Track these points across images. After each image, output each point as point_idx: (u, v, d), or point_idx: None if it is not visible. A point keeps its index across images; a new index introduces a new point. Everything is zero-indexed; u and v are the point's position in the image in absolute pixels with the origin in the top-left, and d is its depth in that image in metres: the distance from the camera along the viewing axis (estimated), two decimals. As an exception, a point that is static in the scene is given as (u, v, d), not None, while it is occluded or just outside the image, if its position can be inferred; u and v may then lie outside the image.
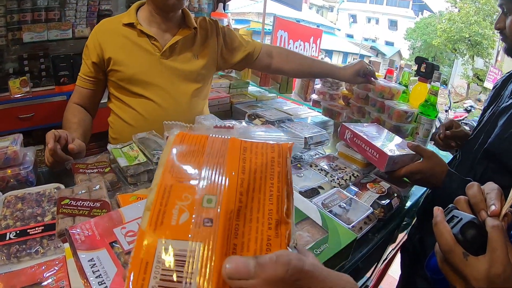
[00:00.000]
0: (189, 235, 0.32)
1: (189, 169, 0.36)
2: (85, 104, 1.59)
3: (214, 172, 0.36)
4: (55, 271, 0.72)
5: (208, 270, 0.31)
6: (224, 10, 3.24)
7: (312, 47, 4.38)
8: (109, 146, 1.24)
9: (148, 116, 1.53)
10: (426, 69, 1.67)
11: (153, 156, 1.14)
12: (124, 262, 0.66)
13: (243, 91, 2.51)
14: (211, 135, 0.41)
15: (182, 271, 0.31)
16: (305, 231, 0.85)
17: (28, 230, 0.87)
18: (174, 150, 0.38)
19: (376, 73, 1.84)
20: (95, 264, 0.64)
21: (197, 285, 0.30)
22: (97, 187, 1.00)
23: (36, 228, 0.88)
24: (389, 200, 1.16)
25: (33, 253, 0.82)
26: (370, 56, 24.90)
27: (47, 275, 0.71)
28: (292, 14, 9.01)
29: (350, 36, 29.95)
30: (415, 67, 1.84)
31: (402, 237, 1.54)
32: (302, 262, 0.32)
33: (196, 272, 0.30)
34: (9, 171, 1.12)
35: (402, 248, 1.52)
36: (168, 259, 0.31)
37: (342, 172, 1.29)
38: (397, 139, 1.38)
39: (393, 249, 1.67)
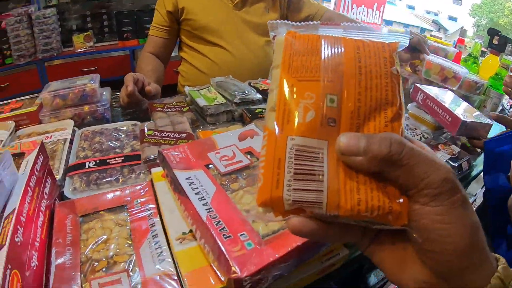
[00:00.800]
0: (316, 133, 0.32)
1: (307, 68, 0.34)
2: (158, 53, 1.60)
3: (332, 71, 0.34)
4: (140, 194, 0.71)
5: (335, 166, 0.31)
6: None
7: (376, 14, 4.21)
8: (187, 88, 1.24)
9: (222, 64, 1.53)
10: (499, 42, 1.56)
11: (234, 97, 1.13)
12: (221, 183, 0.65)
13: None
14: (321, 33, 0.39)
15: (313, 166, 0.31)
16: None
17: (108, 160, 0.88)
18: (288, 50, 0.36)
19: (434, 38, 1.77)
20: (193, 182, 0.63)
21: (327, 180, 0.31)
22: (180, 121, 0.99)
23: (116, 159, 0.88)
24: (459, 163, 1.12)
25: (113, 181, 0.82)
26: (431, 31, 23.70)
27: (131, 198, 0.70)
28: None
29: (411, 7, 28.48)
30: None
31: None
32: (405, 141, 0.31)
33: (326, 168, 0.31)
34: (86, 108, 1.14)
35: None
36: (299, 155, 0.31)
37: (413, 132, 1.27)
38: (469, 107, 1.31)
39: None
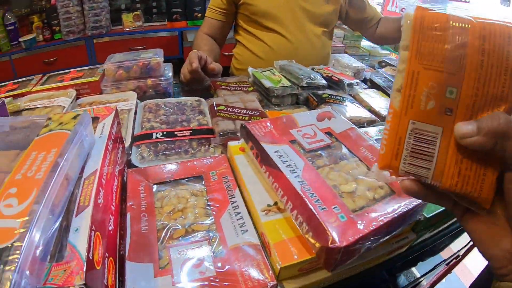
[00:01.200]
0: (434, 120, 0.36)
1: (434, 56, 0.36)
2: (214, 35, 1.60)
3: (455, 64, 0.36)
4: (217, 166, 0.71)
5: (445, 150, 0.37)
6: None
7: None
8: (250, 69, 1.23)
9: (278, 50, 1.52)
10: None
11: (300, 80, 1.11)
12: (306, 158, 0.64)
13: (356, 43, 2.39)
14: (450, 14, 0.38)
15: (427, 147, 0.37)
16: None
17: (176, 132, 0.88)
18: (417, 31, 0.37)
19: None
20: (282, 155, 0.62)
21: (436, 161, 0.37)
22: (250, 99, 0.99)
23: (184, 132, 0.88)
24: None
25: (182, 152, 0.83)
26: None
27: (207, 169, 0.70)
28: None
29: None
30: None
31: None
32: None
33: (436, 151, 0.37)
34: (149, 81, 1.15)
35: None
36: (417, 137, 0.37)
37: None
38: None
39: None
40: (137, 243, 0.55)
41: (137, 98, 1.09)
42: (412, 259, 0.89)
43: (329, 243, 0.47)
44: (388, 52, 2.36)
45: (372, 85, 1.31)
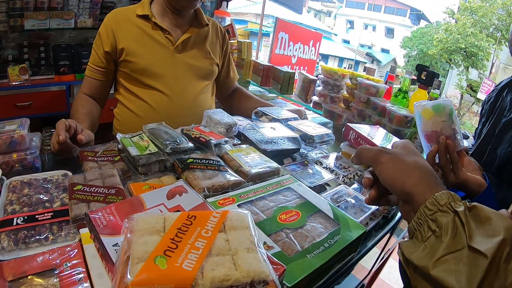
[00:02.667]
0: None
1: None
2: (94, 95, 1.57)
3: None
4: (69, 257, 0.69)
5: None
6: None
7: (312, 51, 4.40)
8: (119, 135, 1.23)
9: (158, 108, 1.53)
10: (427, 77, 1.68)
11: (165, 146, 1.13)
12: None
13: (243, 90, 2.49)
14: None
15: None
16: (318, 223, 0.87)
17: (37, 216, 0.85)
18: None
19: (365, 74, 1.94)
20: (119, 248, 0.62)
21: None
22: (110, 174, 0.98)
23: (45, 214, 0.85)
24: None
25: (42, 239, 0.80)
26: (365, 63, 25.05)
27: (61, 261, 0.69)
28: (290, 17, 9.04)
29: (346, 41, 30.19)
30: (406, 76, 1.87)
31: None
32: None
33: None
34: (14, 156, 1.09)
35: None
36: None
37: (346, 171, 1.32)
38: (396, 140, 1.40)
39: (385, 253, 1.69)
40: None
41: (4, 174, 1.03)
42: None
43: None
44: (275, 95, 2.51)
45: (245, 139, 1.36)
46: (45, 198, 0.92)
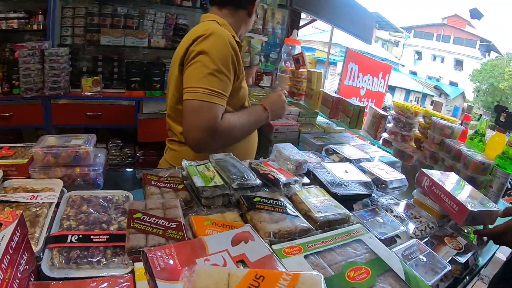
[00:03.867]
0: None
1: None
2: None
3: None
4: (121, 289, 0.65)
5: None
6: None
7: (380, 83, 4.29)
8: (184, 162, 1.19)
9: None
10: (506, 119, 1.53)
11: (232, 181, 1.08)
12: None
13: (312, 120, 2.43)
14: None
15: None
16: (388, 284, 0.78)
17: (92, 237, 0.83)
18: None
19: (440, 113, 1.78)
20: None
21: None
22: (172, 205, 0.94)
23: (101, 236, 0.83)
24: (466, 258, 1.07)
25: (94, 262, 0.77)
26: (433, 96, 24.19)
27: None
28: (357, 46, 8.93)
29: (414, 73, 29.28)
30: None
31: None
32: None
33: None
34: (77, 170, 1.10)
35: None
36: None
37: (417, 221, 1.22)
38: (474, 191, 1.29)
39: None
40: None
41: (65, 186, 1.05)
42: None
43: None
44: (343, 128, 2.41)
45: (315, 178, 1.29)
46: (103, 218, 0.91)
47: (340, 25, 4.06)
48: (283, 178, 1.15)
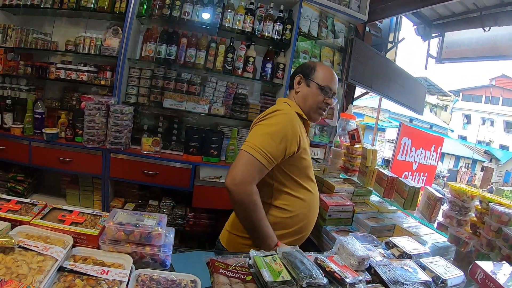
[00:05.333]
0: None
1: None
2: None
3: None
4: None
5: None
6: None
7: (432, 156, 4.22)
8: (252, 252, 1.21)
9: (309, 205, 1.70)
10: None
11: (301, 279, 1.08)
12: None
13: (365, 199, 2.40)
14: None
15: None
16: None
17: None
18: None
19: (497, 198, 1.74)
20: None
21: None
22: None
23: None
24: None
25: None
26: (483, 161, 23.23)
27: None
28: (405, 112, 8.85)
29: (463, 138, 28.24)
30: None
31: None
32: None
33: None
34: (147, 249, 1.14)
35: None
36: None
37: None
38: None
39: None
40: None
41: (133, 262, 1.08)
42: None
43: None
44: (396, 208, 2.36)
45: (375, 274, 1.27)
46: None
47: (393, 97, 4.10)
48: (349, 277, 1.16)
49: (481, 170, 23.68)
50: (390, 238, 1.53)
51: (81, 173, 3.12)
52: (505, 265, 1.35)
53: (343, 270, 1.19)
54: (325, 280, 1.12)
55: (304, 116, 1.71)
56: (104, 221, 1.20)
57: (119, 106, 2.94)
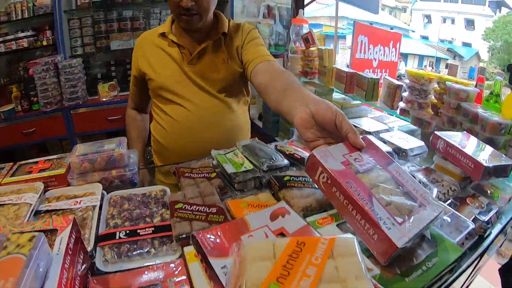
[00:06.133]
0: None
1: None
2: (139, 106, 1.83)
3: None
4: (174, 273, 0.71)
5: None
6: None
7: (392, 52, 4.24)
8: (213, 152, 1.24)
9: (182, 121, 1.54)
10: None
11: (262, 164, 1.12)
12: None
13: (328, 98, 2.44)
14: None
15: None
16: (417, 244, 0.81)
17: (138, 231, 0.88)
18: None
19: (453, 77, 1.75)
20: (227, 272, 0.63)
21: None
22: (209, 192, 1.00)
23: (146, 229, 0.89)
24: (489, 217, 1.08)
25: (144, 253, 0.83)
26: (447, 59, 23.58)
27: (164, 276, 0.71)
28: (365, 17, 8.76)
29: (425, 38, 28.29)
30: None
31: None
32: None
33: None
34: (113, 172, 1.16)
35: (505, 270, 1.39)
36: None
37: (440, 185, 1.23)
38: (494, 152, 1.28)
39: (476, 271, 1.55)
40: None
41: (104, 188, 1.11)
42: None
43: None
44: (359, 102, 2.43)
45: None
46: (145, 213, 0.96)
47: (343, -2, 4.04)
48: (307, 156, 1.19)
49: (446, 68, 23.94)
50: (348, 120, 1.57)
51: (47, 139, 3.09)
52: (464, 134, 1.40)
53: (302, 151, 1.24)
54: (285, 162, 1.16)
55: (166, 31, 1.53)
56: (68, 160, 1.21)
57: (66, 61, 2.87)
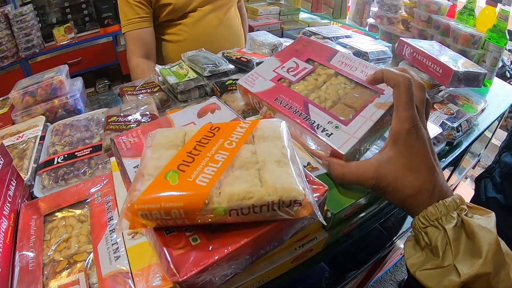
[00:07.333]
0: None
1: None
2: (147, 49, 1.48)
3: None
4: (101, 186, 0.67)
5: None
6: None
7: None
8: (157, 67, 1.17)
9: (199, 31, 1.52)
10: None
11: (204, 70, 1.05)
12: None
13: (294, 17, 2.34)
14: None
15: None
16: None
17: (76, 153, 0.85)
18: None
19: None
20: None
21: None
22: (145, 103, 0.94)
23: (84, 151, 0.85)
24: (458, 123, 1.04)
25: (80, 174, 0.79)
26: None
27: (93, 191, 0.66)
28: None
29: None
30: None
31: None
32: None
33: None
34: (56, 101, 1.09)
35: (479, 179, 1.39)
36: None
37: None
38: (467, 61, 1.21)
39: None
40: (23, 282, 0.52)
41: (49, 121, 1.05)
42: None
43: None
44: (328, 21, 2.32)
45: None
46: (85, 135, 0.92)
47: None
48: (255, 59, 1.12)
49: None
50: (306, 28, 1.49)
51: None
52: (434, 42, 1.33)
53: (251, 56, 1.16)
54: (230, 66, 1.10)
55: None
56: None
57: (17, 10, 2.67)
